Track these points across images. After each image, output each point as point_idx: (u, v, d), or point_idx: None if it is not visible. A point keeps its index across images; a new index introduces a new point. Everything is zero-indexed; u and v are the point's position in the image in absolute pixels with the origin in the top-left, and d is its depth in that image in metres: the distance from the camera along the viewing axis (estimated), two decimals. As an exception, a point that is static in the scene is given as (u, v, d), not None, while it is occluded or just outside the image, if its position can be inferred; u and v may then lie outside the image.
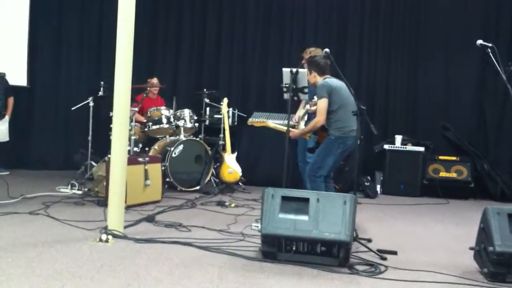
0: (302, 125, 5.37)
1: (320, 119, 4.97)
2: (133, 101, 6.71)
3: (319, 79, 5.11)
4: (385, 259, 3.93)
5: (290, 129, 5.25)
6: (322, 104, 4.95)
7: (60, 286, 3.04)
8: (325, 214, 3.66)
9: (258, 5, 8.57)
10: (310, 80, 5.20)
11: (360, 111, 4.43)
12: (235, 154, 7.17)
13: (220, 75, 8.64)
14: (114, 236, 4.09)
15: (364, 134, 6.68)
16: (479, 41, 4.50)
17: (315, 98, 5.14)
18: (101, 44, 8.53)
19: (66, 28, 8.65)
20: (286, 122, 5.14)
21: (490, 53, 4.42)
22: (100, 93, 6.91)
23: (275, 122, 5.60)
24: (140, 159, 5.78)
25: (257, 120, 5.76)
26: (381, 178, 7.73)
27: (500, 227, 3.51)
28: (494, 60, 4.37)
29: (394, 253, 4.11)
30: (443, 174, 7.53)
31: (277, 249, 3.72)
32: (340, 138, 4.96)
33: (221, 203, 6.02)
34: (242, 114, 7.88)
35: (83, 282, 3.14)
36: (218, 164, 7.23)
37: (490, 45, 4.44)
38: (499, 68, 4.35)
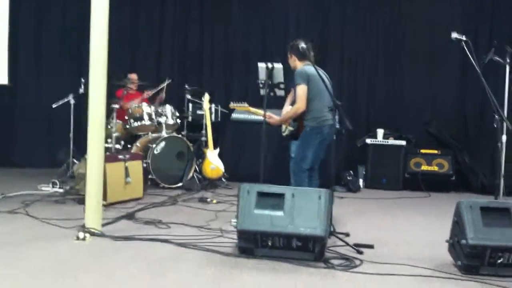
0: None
1: (300, 105, 4.97)
2: (114, 98, 6.72)
3: (298, 64, 5.13)
4: (361, 253, 3.96)
5: (270, 115, 5.28)
6: (301, 91, 4.95)
7: (36, 284, 3.04)
8: (300, 209, 3.69)
9: (240, 1, 8.56)
10: (290, 64, 5.24)
11: (335, 106, 4.45)
12: (218, 150, 7.18)
13: (203, 71, 8.63)
14: (92, 234, 4.09)
15: (346, 129, 6.70)
16: (454, 34, 4.55)
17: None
18: (82, 41, 8.43)
19: (46, 25, 8.61)
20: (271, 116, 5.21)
21: (465, 47, 4.47)
22: (81, 90, 6.89)
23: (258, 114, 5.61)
24: (121, 157, 5.77)
25: (239, 104, 5.77)
26: (364, 173, 7.78)
27: (473, 220, 3.55)
28: (469, 54, 4.42)
29: (371, 246, 4.14)
30: (424, 167, 7.59)
31: (253, 244, 3.74)
32: (316, 128, 4.97)
33: (203, 200, 6.03)
34: (225, 111, 7.89)
35: (58, 280, 3.14)
36: (200, 160, 7.23)
37: (464, 38, 4.49)
38: (473, 61, 4.40)
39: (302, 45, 5.01)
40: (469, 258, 3.51)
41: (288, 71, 5.59)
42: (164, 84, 7.55)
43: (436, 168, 7.58)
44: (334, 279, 3.41)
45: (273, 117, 5.29)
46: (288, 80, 5.88)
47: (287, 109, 5.37)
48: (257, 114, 5.64)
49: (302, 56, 5.08)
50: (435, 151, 7.66)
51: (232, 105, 5.84)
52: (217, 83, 8.54)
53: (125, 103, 7.12)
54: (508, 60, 5.94)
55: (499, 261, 3.47)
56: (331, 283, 3.33)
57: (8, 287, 3.00)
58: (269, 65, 4.90)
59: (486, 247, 3.45)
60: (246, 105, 5.72)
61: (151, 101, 7.68)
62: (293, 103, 5.34)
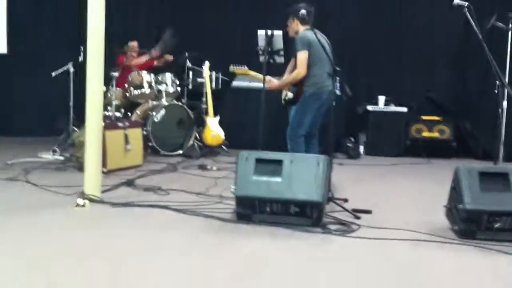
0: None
1: (300, 71, 4.96)
2: (114, 65, 6.68)
3: (300, 28, 5.09)
4: (359, 218, 3.98)
5: (270, 78, 5.26)
6: (302, 56, 4.93)
7: (33, 249, 3.07)
8: (299, 176, 3.69)
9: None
10: (291, 29, 5.18)
11: (334, 72, 4.42)
12: (218, 117, 7.17)
13: (203, 38, 8.54)
14: (91, 200, 4.11)
15: (346, 95, 6.66)
16: (456, 1, 4.46)
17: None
18: (81, 7, 8.35)
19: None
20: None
21: (467, 12, 4.40)
22: (80, 59, 6.84)
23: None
24: (120, 124, 5.77)
25: (238, 67, 5.74)
26: (364, 139, 7.76)
27: (470, 185, 3.55)
28: (471, 19, 4.35)
29: (369, 212, 4.16)
30: (425, 134, 7.58)
31: (251, 210, 3.76)
32: (315, 94, 4.97)
33: (202, 167, 6.05)
34: (225, 78, 7.84)
35: (53, 246, 3.17)
36: (200, 127, 7.22)
37: (466, 4, 4.41)
38: (475, 28, 4.33)
39: (303, 9, 4.94)
40: (466, 222, 3.52)
41: (288, 39, 5.54)
42: (166, 34, 7.47)
43: (437, 135, 7.57)
44: (331, 244, 3.43)
45: (272, 81, 5.27)
46: (287, 48, 5.83)
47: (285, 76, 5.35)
48: (256, 78, 5.60)
49: (303, 20, 5.03)
50: (436, 118, 7.63)
51: (232, 68, 5.81)
52: (217, 50, 8.45)
53: (132, 59, 7.06)
54: (510, 26, 5.86)
55: (496, 225, 3.48)
56: (328, 248, 3.36)
57: (7, 253, 3.02)
58: (269, 32, 4.86)
59: (483, 212, 3.46)
60: (246, 68, 5.69)
61: (158, 62, 7.63)
62: (293, 70, 5.30)
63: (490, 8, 7.26)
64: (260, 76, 5.34)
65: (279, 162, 3.76)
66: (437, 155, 7.42)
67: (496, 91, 4.57)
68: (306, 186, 3.65)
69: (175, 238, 3.42)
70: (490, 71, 7.21)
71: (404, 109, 7.69)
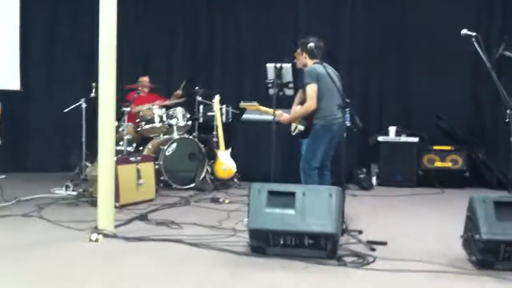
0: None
1: (310, 104, 4.97)
2: (125, 101, 6.75)
3: (309, 62, 5.13)
4: (374, 250, 3.94)
5: (281, 112, 5.28)
6: (311, 90, 4.95)
7: (47, 286, 3.06)
8: (312, 207, 3.68)
9: (250, 1, 8.56)
10: (299, 62, 5.22)
11: (344, 104, 4.43)
12: (229, 150, 7.18)
13: (213, 72, 8.63)
14: (104, 235, 4.11)
15: (356, 127, 6.67)
16: (463, 31, 4.50)
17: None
18: (93, 45, 8.41)
19: (58, 29, 8.66)
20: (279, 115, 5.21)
21: (475, 42, 4.43)
22: (92, 94, 6.92)
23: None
24: (132, 159, 5.80)
25: (249, 103, 5.76)
26: (377, 170, 7.73)
27: (486, 215, 3.51)
28: (479, 49, 4.37)
29: (384, 243, 4.11)
30: (438, 164, 7.53)
31: (265, 243, 3.74)
32: (325, 127, 4.98)
33: (215, 200, 6.04)
34: (236, 111, 7.89)
35: (69, 282, 3.16)
36: (212, 161, 7.23)
37: (473, 34, 4.44)
38: (483, 57, 4.36)
39: (312, 43, 4.99)
40: (483, 253, 3.48)
41: (297, 71, 5.59)
42: (181, 86, 7.60)
43: (450, 164, 7.51)
44: (347, 277, 3.39)
45: (283, 115, 5.30)
46: (296, 80, 5.88)
47: (296, 108, 5.37)
48: (267, 113, 5.63)
49: (312, 54, 5.07)
50: (449, 147, 7.59)
51: (242, 104, 5.84)
52: (228, 84, 8.54)
53: (134, 106, 7.12)
54: (518, 55, 5.89)
55: (514, 255, 3.43)
56: (344, 281, 3.32)
57: (22, 289, 3.02)
58: (278, 65, 4.90)
59: (500, 242, 3.42)
60: (256, 104, 5.71)
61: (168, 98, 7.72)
62: (302, 102, 5.33)
63: (499, 37, 7.34)
64: (271, 110, 5.38)
65: (291, 194, 3.76)
66: (450, 185, 7.34)
67: (506, 120, 4.53)
68: (319, 218, 3.63)
69: (189, 273, 3.40)
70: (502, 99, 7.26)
71: (416, 139, 7.66)
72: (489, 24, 7.73)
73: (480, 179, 7.55)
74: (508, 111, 4.39)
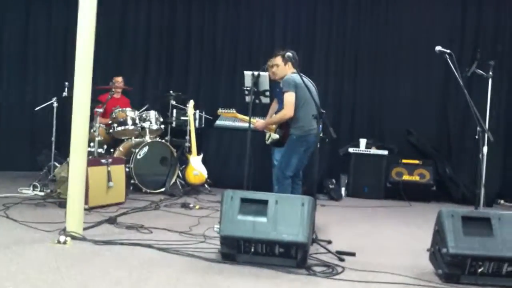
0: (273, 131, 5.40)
1: (287, 111, 5.01)
2: (98, 102, 6.68)
3: (287, 72, 5.19)
4: (343, 260, 3.98)
5: (256, 119, 5.31)
6: (289, 98, 4.99)
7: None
8: (284, 216, 3.70)
9: (227, 8, 8.57)
10: (280, 72, 5.23)
11: (319, 115, 4.48)
12: (201, 156, 7.17)
13: (188, 77, 8.62)
14: (73, 237, 4.05)
15: (329, 137, 6.74)
16: (438, 48, 4.61)
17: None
18: (66, 44, 8.42)
19: (32, 27, 8.56)
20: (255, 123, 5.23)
21: (448, 59, 4.53)
22: (64, 94, 6.84)
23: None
24: (103, 161, 5.73)
25: (226, 110, 5.77)
26: (346, 181, 7.81)
27: (454, 229, 3.58)
28: (452, 66, 4.48)
29: (353, 254, 4.16)
30: (406, 177, 7.65)
31: (236, 250, 3.74)
32: (302, 137, 5.03)
33: (185, 205, 6.01)
34: (209, 117, 7.89)
35: (37, 284, 3.11)
36: (183, 166, 7.21)
37: (448, 51, 4.55)
38: (456, 74, 4.46)
39: (290, 53, 5.04)
40: (450, 266, 3.54)
41: (272, 81, 5.62)
42: (143, 109, 7.50)
43: (417, 178, 7.64)
44: (316, 286, 3.42)
45: (258, 121, 5.33)
46: (272, 89, 5.91)
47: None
48: (244, 121, 5.64)
49: (291, 64, 5.11)
50: (417, 161, 7.73)
51: (220, 111, 5.83)
52: (202, 90, 8.53)
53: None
54: (491, 74, 6.04)
55: (479, 270, 3.50)
56: (313, 290, 3.35)
57: (-13, 290, 2.96)
58: (255, 73, 4.93)
59: (467, 256, 3.49)
60: (233, 111, 5.72)
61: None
62: (276, 112, 5.37)
63: (471, 56, 7.50)
64: (247, 118, 5.40)
65: (264, 202, 3.77)
66: (417, 198, 7.48)
67: (476, 137, 4.65)
68: (291, 227, 3.65)
69: (159, 278, 3.37)
70: (470, 116, 7.41)
71: (385, 152, 7.77)
72: (461, 40, 7.90)
73: (446, 194, 7.70)
74: (478, 128, 4.50)
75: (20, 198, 5.78)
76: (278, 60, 5.24)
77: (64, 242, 3.95)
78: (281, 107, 5.35)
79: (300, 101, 4.99)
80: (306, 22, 8.39)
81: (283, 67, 5.22)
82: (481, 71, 6.00)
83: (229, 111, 5.70)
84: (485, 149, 5.35)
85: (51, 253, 3.77)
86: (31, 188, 6.22)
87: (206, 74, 8.57)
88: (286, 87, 5.01)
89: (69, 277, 3.27)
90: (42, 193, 6.08)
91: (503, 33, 7.82)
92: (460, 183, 7.60)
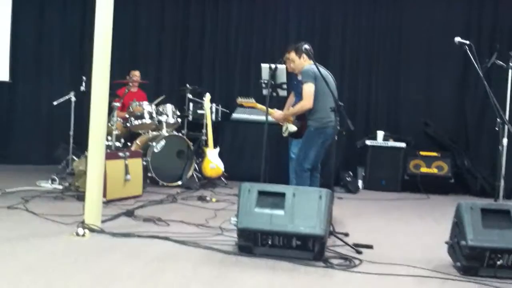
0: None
1: (306, 103, 4.99)
2: (115, 96, 6.71)
3: (304, 63, 5.16)
4: (360, 253, 3.96)
5: (275, 110, 5.29)
6: (309, 88, 4.96)
7: (32, 280, 3.04)
8: (301, 209, 3.69)
9: (242, 2, 8.56)
10: (297, 66, 5.22)
11: (337, 107, 4.46)
12: (218, 149, 7.17)
13: (203, 70, 8.62)
14: (91, 230, 4.09)
15: (347, 130, 6.71)
16: (457, 39, 4.55)
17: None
18: (83, 38, 8.48)
19: (48, 22, 8.61)
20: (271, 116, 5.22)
21: (468, 51, 4.47)
22: (82, 88, 6.88)
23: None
24: (121, 154, 5.77)
25: (246, 100, 5.75)
26: (363, 174, 7.77)
27: (473, 221, 3.55)
28: (472, 57, 4.42)
29: (370, 247, 4.14)
30: (424, 169, 7.59)
31: (253, 243, 3.74)
32: (320, 129, 5.01)
33: (202, 198, 6.03)
34: (225, 110, 7.90)
35: (55, 276, 3.14)
36: (200, 159, 7.23)
37: (467, 42, 4.49)
38: (476, 65, 4.40)
39: (307, 45, 5.01)
40: (468, 259, 3.51)
41: (290, 73, 5.59)
42: (159, 99, 7.47)
43: (435, 171, 7.58)
44: (333, 279, 3.41)
45: (277, 111, 5.31)
46: (288, 82, 5.89)
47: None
48: (262, 110, 5.60)
49: (308, 55, 5.10)
50: (435, 154, 7.66)
51: (239, 100, 5.81)
52: (218, 83, 8.53)
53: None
54: (510, 65, 5.95)
55: (498, 262, 3.47)
56: (330, 283, 3.34)
57: (6, 283, 2.99)
58: (272, 65, 4.91)
59: (486, 249, 3.46)
60: (253, 100, 5.70)
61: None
62: (294, 104, 5.35)
63: (489, 47, 7.41)
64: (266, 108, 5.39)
65: (281, 195, 3.76)
66: (435, 191, 7.42)
67: (496, 128, 4.60)
68: (308, 219, 3.64)
69: (176, 270, 3.39)
70: (489, 108, 7.35)
71: (403, 144, 7.71)
72: (479, 32, 7.82)
73: (464, 186, 7.63)
74: (498, 119, 4.45)
75: (38, 192, 5.84)
76: (292, 55, 5.23)
77: (83, 235, 3.99)
78: (298, 99, 5.34)
79: (319, 93, 4.96)
80: (321, 14, 8.35)
81: (298, 61, 5.20)
82: (501, 62, 5.92)
83: (248, 100, 5.68)
84: (505, 140, 5.29)
85: (69, 245, 3.81)
86: (50, 182, 6.28)
87: (220, 67, 8.57)
88: (305, 77, 4.99)
89: (87, 269, 3.30)
90: (60, 187, 6.13)
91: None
92: (479, 175, 7.52)
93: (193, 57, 8.64)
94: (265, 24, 8.49)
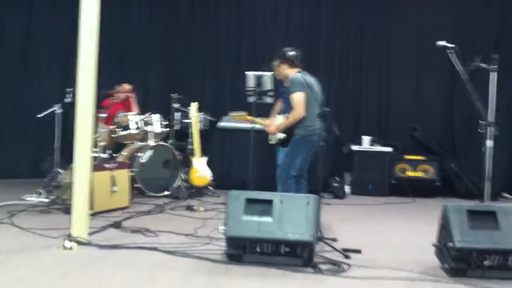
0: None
1: (300, 111, 4.98)
2: (101, 107, 6.69)
3: (289, 72, 5.16)
4: (349, 257, 3.98)
5: (270, 122, 5.29)
6: (299, 97, 4.97)
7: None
8: (289, 215, 3.70)
9: (230, 9, 8.58)
10: (279, 73, 5.23)
11: (324, 113, 4.48)
12: (205, 158, 7.16)
13: (192, 79, 8.59)
14: (78, 243, 4.06)
15: (333, 136, 6.73)
16: (441, 42, 4.60)
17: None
18: (69, 50, 8.33)
19: (34, 34, 8.54)
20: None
21: (450, 54, 4.52)
22: (67, 100, 6.84)
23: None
24: (107, 166, 5.75)
25: (238, 114, 5.74)
26: (350, 179, 7.80)
27: (459, 223, 3.59)
28: (454, 61, 4.47)
29: (359, 251, 4.16)
30: (410, 173, 7.64)
31: (242, 251, 3.74)
32: (306, 137, 5.03)
33: (190, 207, 6.02)
34: (213, 119, 7.88)
35: (44, 289, 3.12)
36: (187, 168, 7.21)
37: (451, 45, 4.54)
38: (457, 68, 4.45)
39: (291, 52, 5.02)
40: (456, 261, 3.54)
41: (277, 80, 5.59)
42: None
43: (421, 174, 7.63)
44: (323, 284, 3.42)
45: (271, 124, 5.30)
46: (277, 89, 5.89)
47: (278, 118, 5.39)
48: (256, 123, 5.59)
49: (292, 63, 5.11)
50: (420, 157, 7.71)
51: (232, 114, 5.80)
52: (205, 91, 8.51)
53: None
54: (495, 67, 6.01)
55: (485, 263, 3.51)
56: (320, 288, 3.35)
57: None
58: (258, 73, 4.92)
59: (473, 250, 3.50)
60: (245, 114, 5.69)
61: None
62: (283, 111, 5.35)
63: (473, 48, 7.48)
64: (259, 120, 5.39)
65: (269, 202, 3.77)
66: (422, 194, 7.46)
67: (479, 131, 4.64)
68: (296, 226, 3.66)
69: (165, 280, 3.38)
70: (475, 110, 7.42)
71: (389, 149, 7.76)
72: (466, 35, 7.89)
73: (451, 189, 7.69)
74: (481, 122, 4.49)
75: (24, 205, 5.77)
76: (277, 62, 5.24)
77: (70, 248, 3.96)
78: (286, 106, 5.35)
79: (308, 101, 4.98)
80: (310, 19, 8.38)
81: (284, 68, 5.22)
82: (484, 65, 5.97)
83: (241, 114, 5.67)
84: (488, 142, 5.34)
85: (57, 258, 3.79)
86: (36, 195, 6.23)
87: (210, 75, 8.54)
88: (294, 87, 5.00)
89: (76, 282, 3.28)
90: (46, 200, 6.07)
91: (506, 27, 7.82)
92: (465, 178, 7.59)
93: (180, 66, 8.62)
94: (253, 31, 8.49)
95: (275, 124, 5.33)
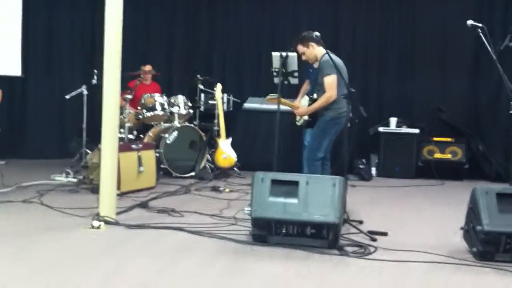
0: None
1: (332, 93, 4.96)
2: (127, 88, 6.72)
3: (318, 53, 5.12)
4: (375, 240, 3.95)
5: (299, 105, 5.26)
6: (332, 80, 4.94)
7: (49, 273, 3.07)
8: (315, 197, 3.68)
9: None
10: (309, 55, 5.19)
11: (350, 94, 4.43)
12: (230, 139, 7.17)
13: (214, 61, 8.62)
14: (106, 222, 4.11)
15: (359, 117, 6.67)
16: (469, 22, 4.49)
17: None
18: (94, 31, 8.47)
19: (59, 15, 8.60)
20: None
21: (481, 33, 4.41)
22: (94, 81, 6.90)
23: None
24: (134, 146, 5.79)
25: (272, 97, 5.70)
26: (376, 161, 7.74)
27: (488, 206, 3.53)
28: (485, 41, 4.36)
29: (385, 234, 4.13)
30: (437, 155, 7.54)
31: (267, 232, 3.74)
32: (336, 119, 5.01)
33: (215, 188, 6.05)
34: (237, 100, 7.88)
35: (71, 268, 3.16)
36: (212, 150, 7.23)
37: (480, 25, 4.43)
38: (489, 48, 4.35)
39: (316, 33, 4.97)
40: (484, 244, 3.49)
41: (302, 62, 5.53)
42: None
43: (449, 156, 7.53)
44: (348, 266, 3.40)
45: (301, 107, 5.27)
46: (302, 69, 5.83)
47: (303, 99, 5.35)
48: (290, 106, 5.53)
49: (319, 43, 5.06)
50: (448, 139, 7.60)
51: (268, 97, 5.74)
52: (229, 73, 8.52)
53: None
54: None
55: (514, 247, 3.45)
56: (345, 270, 3.33)
57: (23, 276, 3.02)
58: (283, 54, 4.88)
59: (502, 234, 3.44)
60: (279, 97, 5.65)
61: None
62: (309, 92, 5.32)
63: (504, 29, 7.32)
64: (292, 103, 5.35)
65: (295, 183, 3.75)
66: (449, 176, 7.36)
67: (511, 112, 4.55)
68: (322, 207, 3.63)
69: (190, 260, 3.40)
70: (503, 92, 7.27)
71: (416, 131, 7.66)
72: (491, 16, 7.72)
73: (479, 171, 7.57)
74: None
75: (53, 185, 5.87)
76: (300, 48, 5.19)
77: (98, 227, 4.02)
78: (313, 87, 5.30)
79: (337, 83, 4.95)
80: (333, 2, 8.28)
81: (309, 51, 5.17)
82: (514, 45, 5.84)
83: (274, 97, 5.62)
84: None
85: (85, 238, 3.84)
86: (64, 175, 6.32)
87: (232, 56, 8.55)
88: (326, 69, 4.95)
89: (103, 261, 3.33)
90: (74, 180, 6.17)
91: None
92: (493, 160, 7.46)
93: (203, 48, 8.62)
94: (276, 13, 8.44)
95: (304, 106, 5.29)
